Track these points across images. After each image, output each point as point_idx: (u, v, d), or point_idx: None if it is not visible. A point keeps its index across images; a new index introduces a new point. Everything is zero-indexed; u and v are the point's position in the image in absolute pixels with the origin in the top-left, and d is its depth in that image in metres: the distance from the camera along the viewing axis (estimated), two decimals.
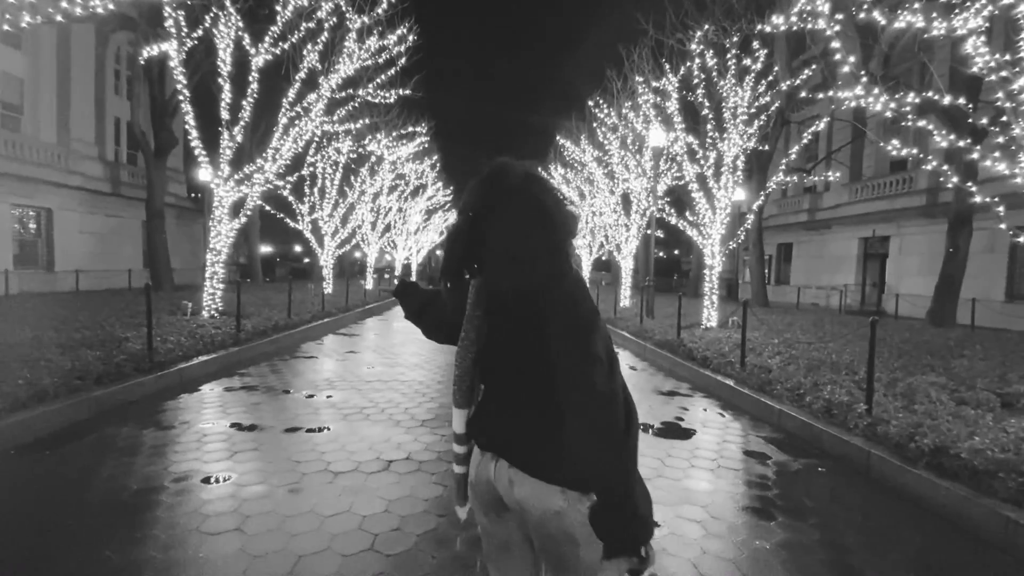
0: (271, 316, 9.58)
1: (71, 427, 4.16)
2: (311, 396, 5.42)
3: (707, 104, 9.25)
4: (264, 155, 9.48)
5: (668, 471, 3.67)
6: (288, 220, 15.47)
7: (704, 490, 3.38)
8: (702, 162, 9.54)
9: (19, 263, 16.92)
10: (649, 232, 12.32)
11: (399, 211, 24.15)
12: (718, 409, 5.47)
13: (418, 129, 17.13)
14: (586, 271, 24.16)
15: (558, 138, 16.81)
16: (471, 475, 1.31)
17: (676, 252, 56.10)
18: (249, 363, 7.04)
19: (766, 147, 10.59)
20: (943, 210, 14.92)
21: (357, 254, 21.95)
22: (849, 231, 21.40)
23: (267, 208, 15.35)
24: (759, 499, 3.27)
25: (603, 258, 22.82)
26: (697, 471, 3.70)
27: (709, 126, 9.28)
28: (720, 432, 4.68)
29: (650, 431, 4.59)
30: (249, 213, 9.88)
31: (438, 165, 26.20)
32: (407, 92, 10.69)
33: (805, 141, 8.86)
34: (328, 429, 4.34)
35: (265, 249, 53.49)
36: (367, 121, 11.15)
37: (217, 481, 3.23)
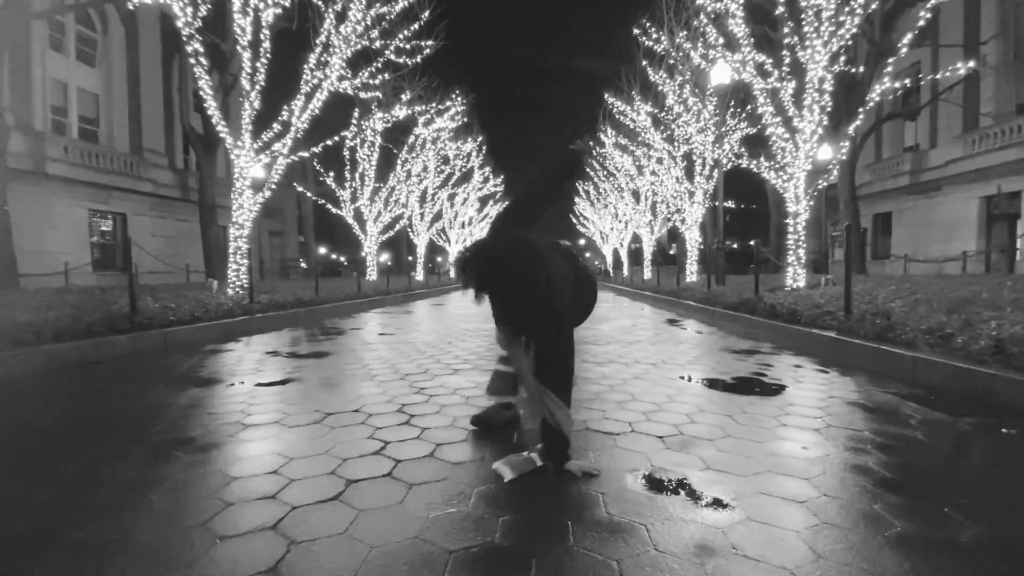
0: (297, 293, 9.03)
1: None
2: (291, 355, 4.56)
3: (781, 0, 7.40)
4: (281, 118, 8.99)
5: (740, 430, 2.36)
6: (331, 207, 15.21)
7: (799, 455, 2.04)
8: (777, 85, 7.72)
9: (98, 267, 18.02)
10: (715, 188, 10.61)
11: (448, 199, 23.50)
12: (815, 366, 3.97)
13: (451, 103, 16.27)
14: (648, 249, 22.29)
15: (606, 96, 15.21)
16: None
17: (751, 243, 51.92)
18: (256, 332, 6.38)
19: (861, 68, 8.50)
20: None
21: (432, 253, 21.41)
22: (965, 191, 18.12)
23: (318, 200, 15.19)
24: (892, 469, 1.89)
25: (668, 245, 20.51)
26: (790, 431, 2.34)
27: (786, 30, 7.44)
28: (824, 388, 3.23)
29: (717, 387, 3.25)
30: (273, 187, 9.42)
31: (484, 147, 25.25)
32: (431, 43, 9.81)
33: (904, 49, 6.77)
34: (284, 384, 3.41)
35: (334, 257, 56.14)
36: (387, 77, 10.38)
37: None
